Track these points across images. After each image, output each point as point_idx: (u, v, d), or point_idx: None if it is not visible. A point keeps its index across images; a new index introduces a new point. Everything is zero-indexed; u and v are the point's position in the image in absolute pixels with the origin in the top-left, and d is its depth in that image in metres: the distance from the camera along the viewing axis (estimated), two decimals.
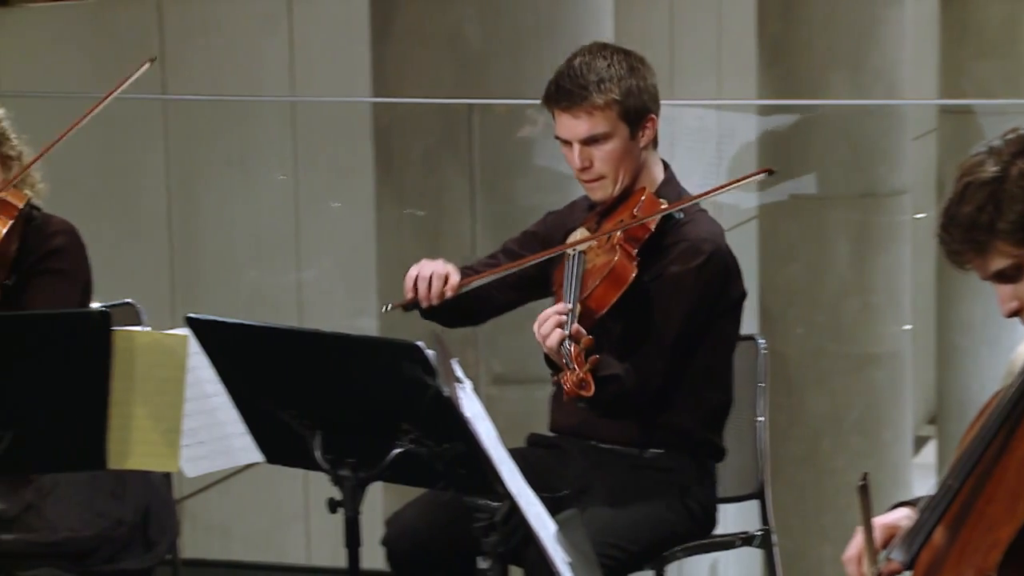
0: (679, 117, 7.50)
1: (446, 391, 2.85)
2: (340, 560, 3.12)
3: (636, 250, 3.51)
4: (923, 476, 10.00)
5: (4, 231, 3.75)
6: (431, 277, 3.67)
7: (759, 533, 3.82)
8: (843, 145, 8.56)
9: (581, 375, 3.25)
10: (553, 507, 3.06)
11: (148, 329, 3.29)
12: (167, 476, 3.89)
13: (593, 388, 3.25)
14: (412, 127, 5.95)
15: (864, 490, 2.68)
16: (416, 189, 6.02)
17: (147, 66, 3.90)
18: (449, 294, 3.66)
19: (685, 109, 7.91)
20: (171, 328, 3.25)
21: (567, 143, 3.62)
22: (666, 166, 3.71)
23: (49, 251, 3.85)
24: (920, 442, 12.22)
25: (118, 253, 6.28)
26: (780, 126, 8.45)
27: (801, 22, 8.72)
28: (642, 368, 3.49)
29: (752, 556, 4.00)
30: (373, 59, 6.00)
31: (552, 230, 3.78)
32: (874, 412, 8.74)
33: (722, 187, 3.74)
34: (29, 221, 3.87)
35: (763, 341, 3.94)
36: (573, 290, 3.45)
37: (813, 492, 8.58)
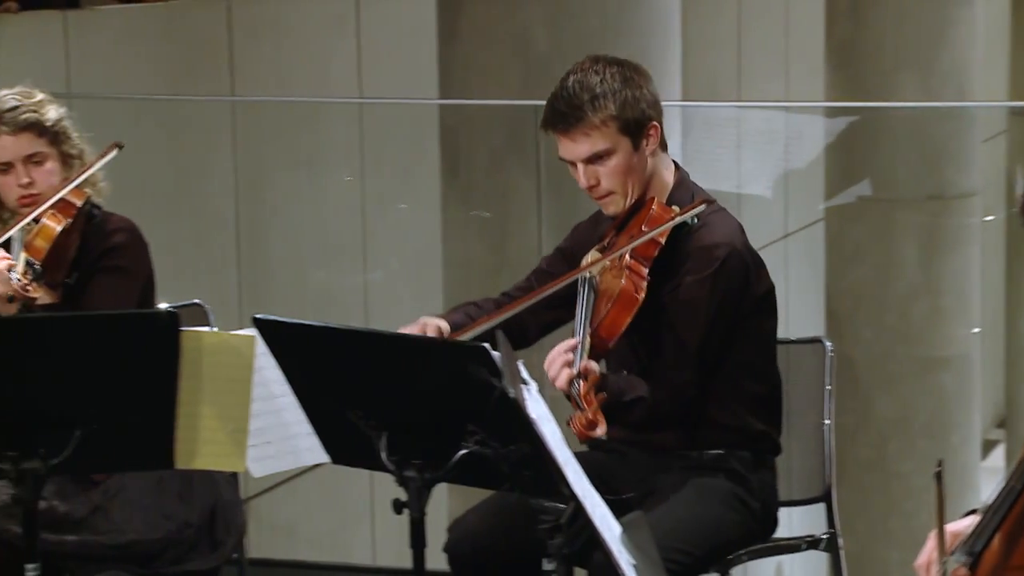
0: (746, 119, 7.48)
1: (512, 392, 2.85)
2: (405, 561, 3.12)
3: (647, 267, 3.48)
4: (991, 480, 9.90)
5: (60, 228, 3.78)
6: None
7: (825, 536, 3.80)
8: (912, 147, 8.49)
9: (590, 416, 3.23)
10: (617, 509, 3.05)
11: (216, 330, 3.31)
12: (234, 476, 3.91)
13: (604, 426, 3.24)
14: (478, 129, 5.97)
15: (939, 477, 2.66)
16: (482, 191, 6.03)
17: (115, 152, 3.91)
18: None
19: (752, 111, 7.88)
20: (238, 329, 3.26)
21: (572, 163, 3.60)
22: (677, 167, 3.68)
23: (108, 248, 3.87)
24: (988, 446, 12.12)
25: (186, 254, 6.32)
26: (848, 128, 8.40)
27: (870, 23, 8.66)
28: (670, 381, 3.49)
29: (818, 560, 3.98)
30: (440, 61, 6.02)
31: (578, 246, 3.74)
32: (942, 415, 8.68)
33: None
34: (89, 219, 3.90)
35: (830, 344, 3.91)
36: (583, 320, 3.44)
37: (880, 496, 8.52)
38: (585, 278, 3.53)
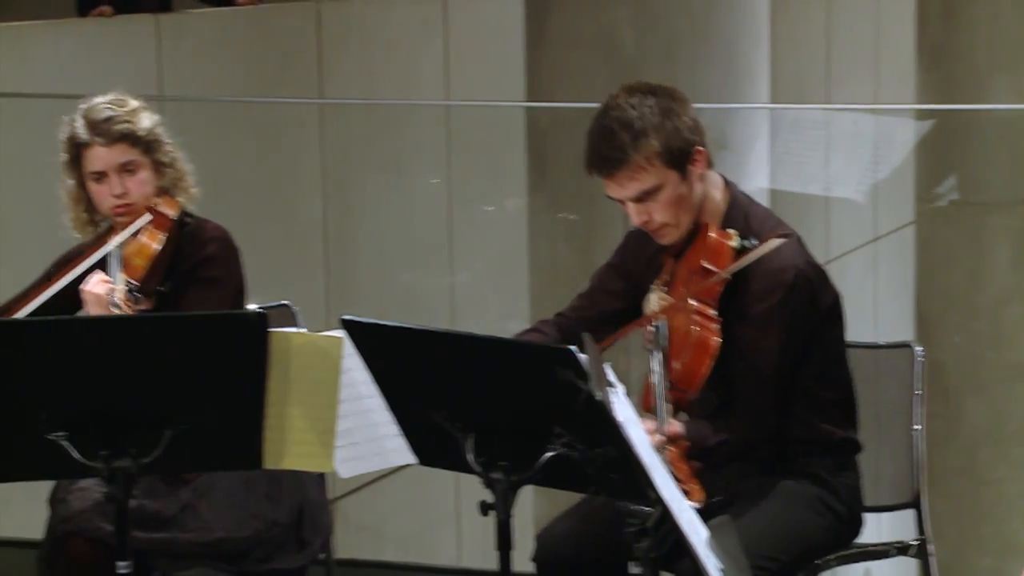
0: (835, 121, 7.43)
1: (599, 395, 2.85)
2: (491, 563, 3.12)
3: (715, 307, 3.43)
4: None
5: (159, 248, 3.80)
6: None
7: (915, 543, 3.77)
8: (1004, 150, 8.40)
9: (683, 487, 3.17)
10: (704, 513, 3.04)
11: (304, 331, 3.32)
12: (321, 476, 3.93)
13: (699, 496, 3.20)
14: (565, 131, 5.96)
15: None
16: (569, 193, 6.03)
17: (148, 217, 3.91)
18: None
19: (841, 114, 7.83)
20: (326, 330, 3.27)
21: (620, 201, 3.52)
22: (726, 183, 3.59)
23: (202, 259, 3.88)
24: None
25: (275, 255, 6.36)
26: (938, 131, 8.32)
27: (963, 25, 8.57)
28: (748, 411, 3.46)
29: (907, 566, 3.94)
30: (527, 63, 6.02)
31: (631, 261, 3.69)
32: None
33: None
34: (182, 227, 3.92)
35: (920, 348, 3.87)
36: (660, 380, 3.35)
37: (971, 503, 8.43)
38: (652, 328, 3.46)
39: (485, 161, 6.53)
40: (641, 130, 3.41)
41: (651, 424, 3.30)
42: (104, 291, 3.71)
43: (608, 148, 3.43)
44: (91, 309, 3.73)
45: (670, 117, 3.44)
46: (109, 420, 3.10)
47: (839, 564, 3.63)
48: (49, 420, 3.08)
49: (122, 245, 3.81)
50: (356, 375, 3.25)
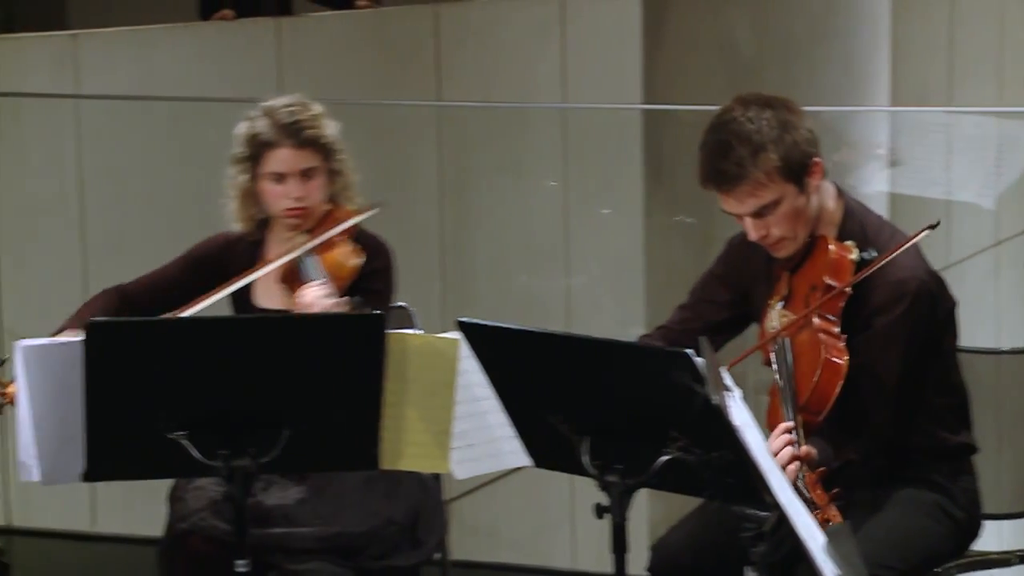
0: (957, 124, 7.33)
1: (715, 399, 2.83)
2: (605, 565, 3.12)
3: (838, 322, 3.38)
4: None
5: (359, 260, 3.85)
6: None
7: None
8: None
9: (823, 514, 3.13)
10: None
11: (421, 332, 3.34)
12: (437, 477, 3.94)
13: (837, 521, 3.15)
14: (683, 133, 5.93)
15: None
16: (686, 196, 5.99)
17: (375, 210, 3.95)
18: None
19: (964, 116, 7.72)
20: (442, 332, 3.29)
21: (737, 216, 3.48)
22: (840, 192, 3.54)
23: (371, 272, 3.93)
24: None
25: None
26: None
27: None
28: (870, 425, 3.41)
29: None
30: (644, 66, 6.00)
31: (735, 272, 3.65)
32: None
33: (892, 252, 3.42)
34: (355, 239, 3.97)
35: None
36: (787, 397, 3.31)
37: None
38: (774, 348, 3.42)
39: (601, 164, 6.52)
40: (760, 144, 3.37)
41: (787, 425, 3.26)
42: (331, 304, 3.74)
43: (726, 163, 3.38)
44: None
45: (788, 130, 3.40)
46: (229, 419, 3.13)
47: (959, 572, 3.58)
48: (170, 419, 3.12)
49: (312, 252, 3.85)
50: (472, 377, 3.26)
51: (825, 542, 2.93)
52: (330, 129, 3.93)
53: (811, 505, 3.13)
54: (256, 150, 3.90)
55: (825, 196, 3.51)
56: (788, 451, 3.20)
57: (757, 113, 3.40)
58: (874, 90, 5.81)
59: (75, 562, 6.21)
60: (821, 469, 3.23)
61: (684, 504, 3.57)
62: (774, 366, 3.39)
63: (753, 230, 3.46)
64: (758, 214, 3.43)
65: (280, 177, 3.89)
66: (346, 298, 3.78)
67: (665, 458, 2.94)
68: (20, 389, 3.17)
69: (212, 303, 3.81)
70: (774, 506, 2.90)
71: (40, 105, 6.62)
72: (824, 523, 3.09)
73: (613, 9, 6.29)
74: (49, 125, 6.65)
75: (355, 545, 3.75)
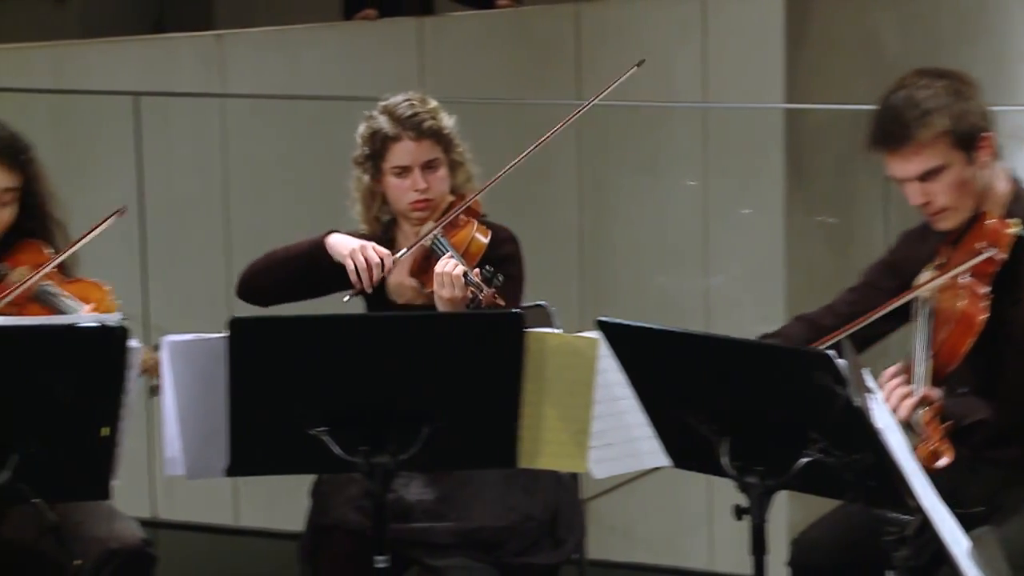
0: None
1: (857, 401, 2.81)
2: (743, 567, 3.10)
3: (987, 286, 3.37)
4: None
5: (485, 238, 3.87)
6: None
7: None
8: None
9: (934, 446, 3.14)
10: (965, 523, 2.98)
11: (559, 331, 3.35)
12: (575, 476, 3.95)
13: (950, 455, 3.15)
14: (825, 134, 5.88)
15: None
16: (828, 196, 5.94)
17: (634, 69, 3.97)
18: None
19: None
20: (580, 330, 3.29)
21: (901, 181, 3.48)
22: (1012, 178, 3.53)
23: (503, 257, 3.96)
24: None
25: (530, 256, 6.40)
26: None
27: None
28: (1012, 395, 3.37)
29: None
30: (787, 65, 5.95)
31: (906, 260, 3.64)
32: None
33: None
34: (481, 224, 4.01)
35: None
36: (923, 345, 3.34)
37: None
38: (922, 299, 3.44)
39: (742, 163, 6.47)
40: (929, 108, 3.41)
41: (905, 387, 3.27)
42: (460, 272, 3.79)
43: (894, 123, 3.43)
44: (444, 291, 3.80)
45: (960, 99, 3.44)
46: (369, 416, 3.16)
47: None
48: (311, 415, 3.15)
49: (443, 234, 3.89)
50: (611, 376, 3.26)
51: (970, 547, 2.89)
52: (448, 121, 3.97)
53: (921, 436, 3.17)
54: (378, 146, 3.97)
55: (995, 176, 3.51)
56: (902, 388, 3.26)
57: (930, 81, 3.45)
58: None
59: (218, 555, 6.29)
60: (939, 406, 3.25)
61: (824, 506, 3.54)
62: (916, 318, 3.38)
63: (915, 196, 3.48)
64: (923, 178, 3.44)
65: (404, 170, 3.94)
66: (477, 269, 3.80)
67: (805, 460, 2.92)
68: (166, 384, 3.22)
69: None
70: (917, 510, 2.87)
71: (187, 104, 6.73)
72: (934, 455, 3.15)
73: (755, 7, 6.24)
74: (195, 124, 6.75)
75: (495, 540, 3.77)
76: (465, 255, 3.87)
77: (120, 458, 3.09)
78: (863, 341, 3.65)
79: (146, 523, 3.62)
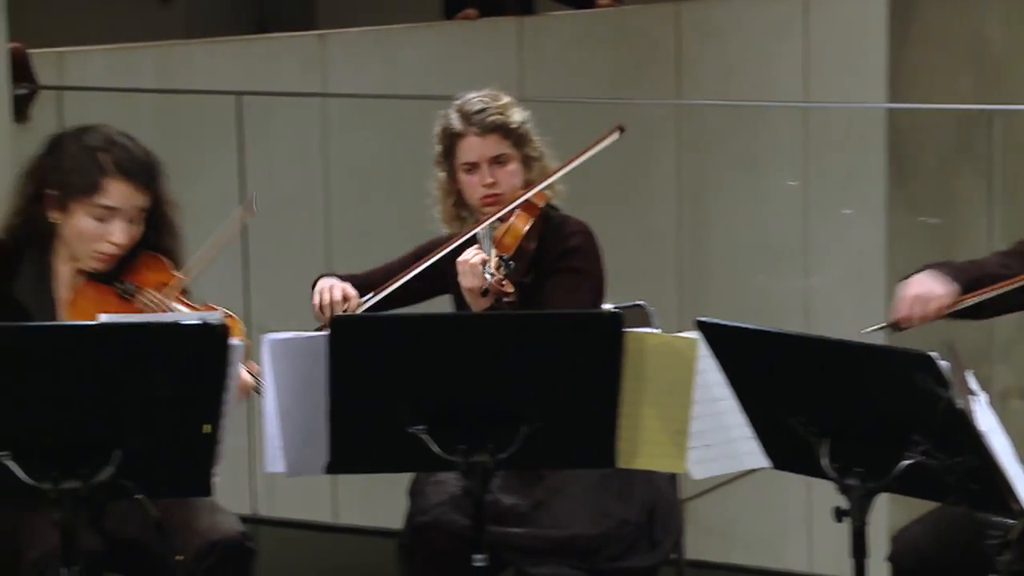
0: None
1: (959, 403, 2.78)
2: (843, 570, 3.08)
3: None
4: None
5: (527, 227, 3.89)
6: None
7: None
8: None
9: None
10: None
11: (658, 331, 3.34)
12: (672, 477, 3.93)
13: None
14: (928, 133, 5.83)
15: None
16: (930, 197, 5.89)
17: (616, 136, 3.97)
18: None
19: None
20: (679, 331, 3.28)
21: None
22: None
23: (566, 250, 3.95)
24: None
25: (629, 255, 6.39)
26: None
27: None
28: None
29: None
30: (889, 64, 5.91)
31: None
32: None
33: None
34: (547, 220, 4.00)
35: None
36: None
37: None
38: None
39: (842, 163, 6.43)
40: None
41: None
42: (477, 260, 3.81)
43: None
44: (464, 280, 3.82)
45: None
46: (468, 415, 3.17)
47: None
48: (411, 413, 3.17)
49: (491, 227, 3.91)
50: (710, 376, 3.25)
51: None
52: (518, 116, 3.98)
53: None
54: (449, 143, 4.00)
55: None
56: None
57: None
58: None
59: (317, 552, 6.33)
60: None
61: (926, 508, 3.51)
62: None
63: None
64: None
65: (472, 166, 3.97)
66: (497, 259, 3.80)
67: (907, 462, 2.90)
68: (266, 382, 3.24)
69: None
70: (1021, 514, 2.83)
71: (289, 104, 6.78)
72: None
73: (858, 5, 6.20)
74: (297, 123, 6.80)
75: (591, 547, 3.76)
76: (501, 248, 3.87)
77: (221, 455, 3.11)
78: (995, 310, 3.61)
79: (246, 520, 3.65)
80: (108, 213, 3.61)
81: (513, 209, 3.91)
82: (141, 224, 3.68)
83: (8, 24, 4.83)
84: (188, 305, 3.71)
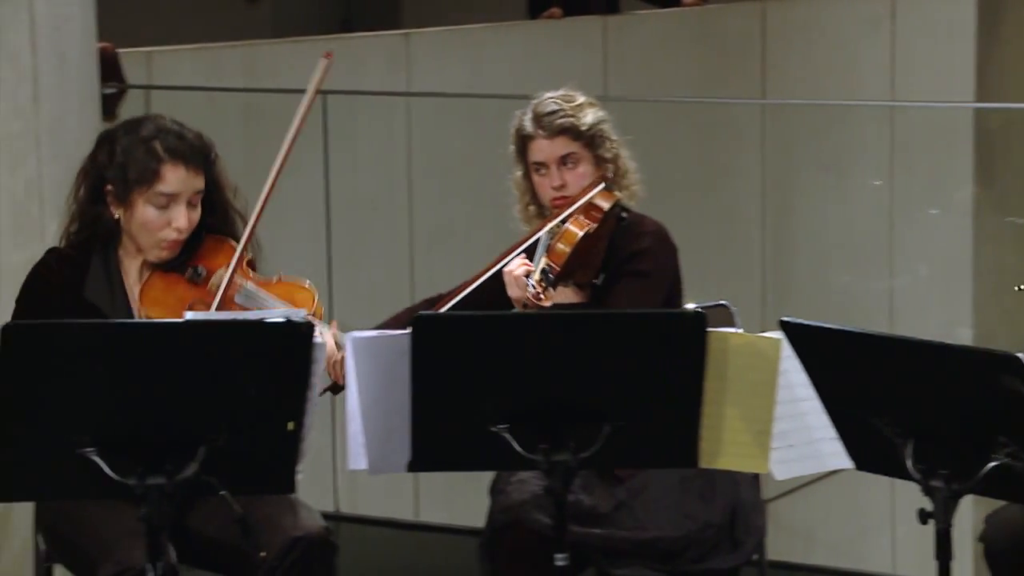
0: None
1: None
2: (926, 572, 3.06)
3: None
4: None
5: (581, 233, 3.86)
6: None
7: None
8: None
9: None
10: None
11: (741, 331, 3.33)
12: (755, 477, 3.92)
13: None
14: (1016, 133, 5.77)
15: None
16: (1019, 197, 5.83)
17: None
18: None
19: None
20: (763, 331, 3.26)
21: None
22: None
23: (634, 253, 3.94)
24: None
25: (712, 255, 6.37)
26: None
27: None
28: None
29: None
30: (978, 62, 5.85)
31: None
32: None
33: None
34: (619, 222, 3.98)
35: None
36: None
37: None
38: None
39: (929, 163, 6.37)
40: None
41: None
42: (521, 272, 3.82)
43: None
44: (510, 290, 3.85)
45: None
46: (550, 414, 3.17)
47: None
48: (493, 412, 3.17)
49: (551, 231, 3.91)
50: (793, 377, 3.24)
51: None
52: (589, 118, 3.96)
53: None
54: (521, 144, 4.02)
55: None
56: None
57: None
58: None
59: (398, 550, 6.36)
60: None
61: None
62: None
63: None
64: None
65: (541, 167, 3.97)
66: (541, 272, 3.79)
67: (993, 464, 2.87)
68: (350, 380, 3.26)
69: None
70: None
71: (373, 103, 6.81)
72: None
73: (946, 4, 6.14)
74: (381, 122, 6.83)
75: (673, 549, 3.75)
76: (551, 252, 3.85)
77: (305, 452, 3.13)
78: None
79: (327, 517, 3.67)
80: (168, 200, 3.65)
81: (571, 214, 3.89)
82: (199, 207, 3.72)
83: (98, 24, 4.88)
84: (259, 282, 3.73)
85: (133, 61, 6.96)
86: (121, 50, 6.78)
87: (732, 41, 6.52)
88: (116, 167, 3.66)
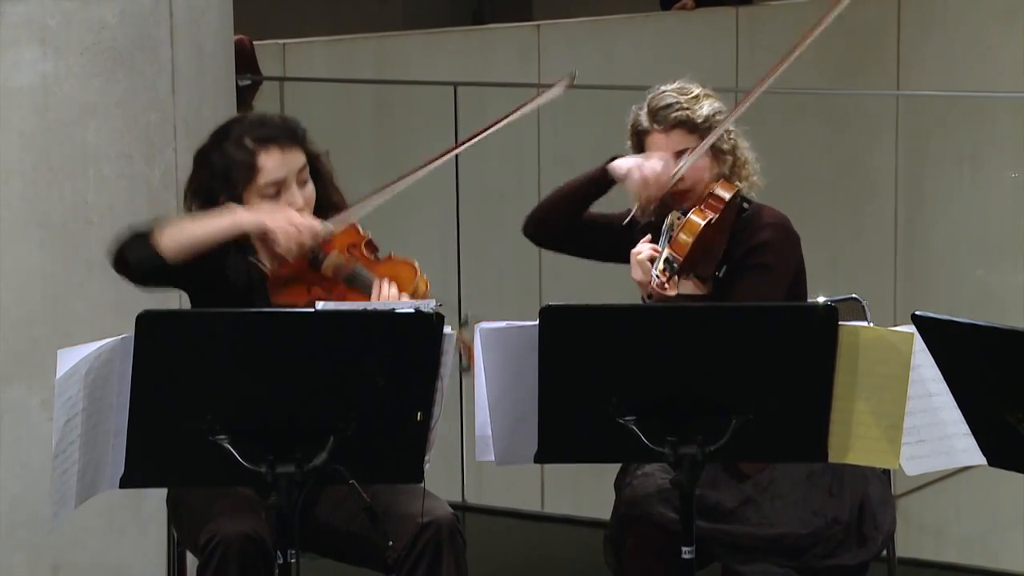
0: None
1: None
2: None
3: None
4: None
5: (703, 223, 3.84)
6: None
7: None
8: None
9: None
10: None
11: (873, 325, 3.29)
12: (885, 473, 3.88)
13: None
14: None
15: None
16: None
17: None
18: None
19: None
20: (894, 324, 3.23)
21: None
22: None
23: (755, 245, 3.90)
24: None
25: (844, 248, 6.32)
26: None
27: None
28: None
29: None
30: None
31: None
32: None
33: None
34: (740, 213, 3.95)
35: None
36: None
37: None
38: None
39: None
40: None
41: None
42: (646, 256, 3.81)
43: None
44: (633, 272, 3.84)
45: None
46: (677, 406, 3.16)
47: None
48: (619, 404, 3.17)
49: (673, 223, 3.90)
50: (925, 372, 3.20)
51: None
52: (705, 110, 3.93)
53: None
54: (637, 139, 4.00)
55: None
56: None
57: None
58: None
59: (524, 541, 6.38)
60: None
61: None
62: None
63: None
64: None
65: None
66: (665, 260, 3.77)
67: None
68: (478, 371, 3.27)
69: None
70: None
71: (504, 94, 6.83)
72: None
73: None
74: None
75: (800, 546, 3.73)
76: (673, 242, 3.83)
77: (433, 442, 3.15)
78: None
79: (454, 507, 3.69)
80: (277, 187, 3.68)
81: (694, 204, 3.88)
82: (311, 182, 3.75)
83: (234, 17, 4.95)
84: (368, 262, 3.75)
85: (268, 53, 7.04)
86: (257, 42, 6.87)
87: (867, 32, 6.46)
88: (219, 177, 3.69)
